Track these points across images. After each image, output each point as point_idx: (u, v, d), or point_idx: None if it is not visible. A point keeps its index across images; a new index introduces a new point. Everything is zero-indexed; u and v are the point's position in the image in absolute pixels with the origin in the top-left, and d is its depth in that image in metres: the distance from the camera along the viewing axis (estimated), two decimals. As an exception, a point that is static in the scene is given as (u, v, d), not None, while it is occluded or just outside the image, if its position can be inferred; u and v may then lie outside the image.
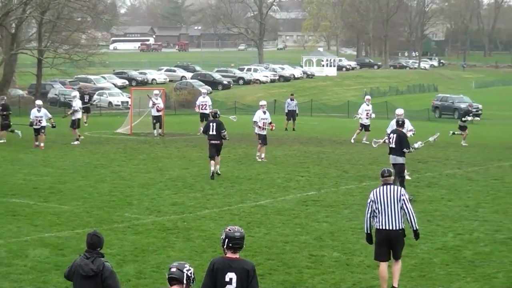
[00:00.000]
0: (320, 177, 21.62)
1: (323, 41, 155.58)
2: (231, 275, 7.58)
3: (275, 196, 18.40)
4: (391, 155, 18.23)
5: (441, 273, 11.92)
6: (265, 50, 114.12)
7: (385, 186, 10.88)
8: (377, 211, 10.81)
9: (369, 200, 10.94)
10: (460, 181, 20.87)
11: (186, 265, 7.04)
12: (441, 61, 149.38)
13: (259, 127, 24.52)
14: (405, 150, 17.85)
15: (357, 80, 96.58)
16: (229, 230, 7.70)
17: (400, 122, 18.38)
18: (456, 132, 31.29)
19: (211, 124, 21.19)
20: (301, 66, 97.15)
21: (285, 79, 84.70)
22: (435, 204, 17.40)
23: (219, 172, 21.41)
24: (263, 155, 24.88)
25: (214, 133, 20.94)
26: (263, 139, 24.67)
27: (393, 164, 18.00)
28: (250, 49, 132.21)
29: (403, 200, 10.74)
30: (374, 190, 11.01)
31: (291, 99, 38.93)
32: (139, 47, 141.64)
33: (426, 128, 43.16)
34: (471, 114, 31.49)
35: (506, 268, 12.05)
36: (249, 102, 60.28)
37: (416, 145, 18.77)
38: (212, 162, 20.85)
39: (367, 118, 31.72)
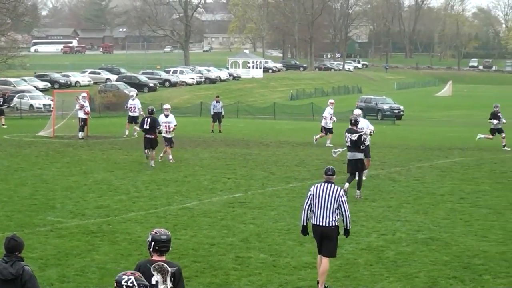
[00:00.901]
0: (246, 179, 21.66)
1: (249, 43, 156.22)
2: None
3: (201, 198, 18.35)
4: (349, 152, 18.75)
5: (365, 273, 12.09)
6: (191, 52, 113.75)
7: (326, 184, 11.17)
8: (314, 206, 11.08)
9: (308, 194, 11.24)
10: (383, 182, 21.22)
11: (124, 276, 6.35)
12: (365, 63, 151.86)
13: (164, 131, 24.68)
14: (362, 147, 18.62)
15: (283, 82, 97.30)
16: (156, 232, 7.64)
17: (353, 121, 18.94)
18: (482, 136, 30.59)
19: (146, 119, 23.87)
20: (227, 68, 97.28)
21: (211, 81, 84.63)
22: (359, 204, 17.63)
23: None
24: (170, 157, 24.95)
25: (148, 127, 23.53)
26: (168, 142, 24.87)
27: (352, 160, 18.58)
28: (176, 51, 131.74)
29: (341, 201, 11.02)
30: (315, 185, 11.30)
31: (217, 101, 38.90)
32: (61, 49, 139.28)
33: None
34: (498, 117, 30.07)
35: (427, 267, 12.29)
36: (176, 105, 59.92)
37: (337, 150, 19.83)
38: (148, 151, 23.69)
39: (330, 122, 31.79)
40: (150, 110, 24.27)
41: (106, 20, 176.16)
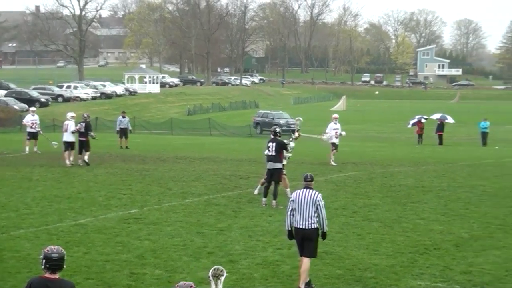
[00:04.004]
0: (142, 194, 21.46)
1: (145, 57, 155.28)
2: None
3: (96, 215, 18.03)
4: (269, 162, 19.77)
5: None
6: (85, 67, 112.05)
7: (305, 189, 12.08)
8: (295, 211, 11.96)
9: (290, 200, 12.18)
10: (280, 197, 21.35)
11: None
12: (262, 77, 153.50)
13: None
14: (285, 153, 20.16)
15: (181, 97, 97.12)
16: (48, 250, 7.53)
17: (273, 132, 20.30)
18: None
19: (80, 123, 28.33)
20: (123, 83, 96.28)
21: (107, 96, 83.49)
22: (255, 219, 17.75)
23: (88, 162, 28.16)
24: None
25: (83, 130, 28.21)
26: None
27: (271, 169, 19.67)
28: (70, 66, 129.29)
29: (318, 205, 11.85)
30: (296, 192, 12.20)
31: (123, 117, 38.78)
32: None
33: (249, 144, 44.22)
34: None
35: (321, 281, 12.47)
36: (69, 120, 58.78)
37: (291, 144, 21.32)
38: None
39: (336, 138, 30.74)
40: (85, 115, 29.28)
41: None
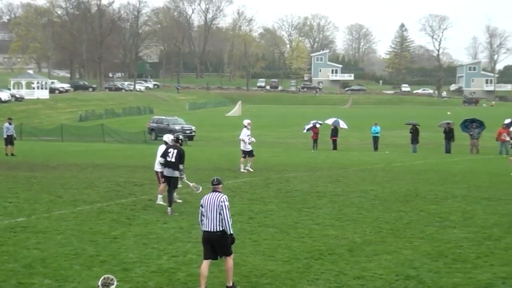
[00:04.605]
0: (30, 202, 20.86)
1: (33, 63, 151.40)
2: None
3: (-20, 226, 17.39)
4: (167, 168, 19.89)
5: (158, 295, 12.05)
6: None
7: (212, 193, 12.27)
8: (203, 215, 12.16)
9: (199, 205, 12.33)
10: (175, 203, 21.35)
11: None
12: (156, 83, 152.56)
13: None
14: (180, 166, 19.85)
15: (71, 103, 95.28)
16: None
17: (175, 138, 20.57)
18: None
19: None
20: (9, 89, 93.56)
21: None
22: (150, 226, 17.56)
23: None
24: None
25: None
26: None
27: (168, 177, 19.83)
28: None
29: (221, 206, 12.00)
30: (204, 196, 12.38)
31: (10, 123, 37.76)
32: None
33: (144, 150, 43.76)
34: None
35: None
36: None
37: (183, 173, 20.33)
38: None
39: (249, 143, 30.18)
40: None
41: None
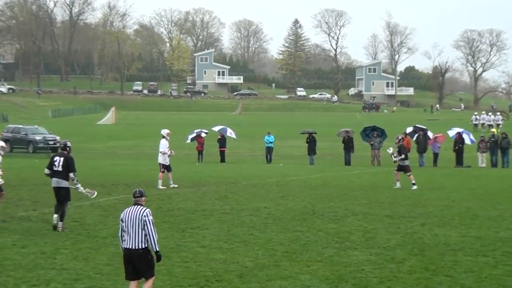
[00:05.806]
0: None
1: None
2: None
3: None
4: (54, 178, 19.99)
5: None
6: None
7: (133, 206, 12.37)
8: (124, 231, 12.26)
9: (120, 219, 12.39)
10: (35, 224, 20.89)
11: None
12: (11, 87, 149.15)
13: None
14: (71, 174, 19.91)
15: None
16: None
17: (63, 145, 20.44)
18: None
19: None
20: None
21: None
22: (5, 252, 17.12)
23: None
24: None
25: None
26: None
27: (56, 187, 19.95)
28: None
29: (145, 221, 12.14)
30: (124, 210, 12.43)
31: None
32: None
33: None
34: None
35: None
36: None
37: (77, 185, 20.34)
38: None
39: (169, 156, 29.99)
40: None
41: None
